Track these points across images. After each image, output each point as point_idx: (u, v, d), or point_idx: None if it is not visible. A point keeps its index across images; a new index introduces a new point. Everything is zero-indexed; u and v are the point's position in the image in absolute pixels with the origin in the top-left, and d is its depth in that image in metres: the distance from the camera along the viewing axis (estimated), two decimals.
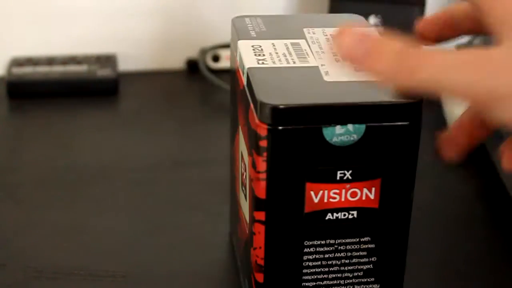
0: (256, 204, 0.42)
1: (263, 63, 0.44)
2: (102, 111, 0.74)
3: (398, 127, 0.40)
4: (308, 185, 0.41)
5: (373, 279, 0.44)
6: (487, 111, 0.35)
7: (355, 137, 0.40)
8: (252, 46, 0.46)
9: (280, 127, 0.39)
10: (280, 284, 0.43)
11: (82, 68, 0.78)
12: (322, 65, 0.43)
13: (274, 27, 0.48)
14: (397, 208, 0.43)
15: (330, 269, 0.44)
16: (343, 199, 0.42)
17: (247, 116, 0.43)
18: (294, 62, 0.44)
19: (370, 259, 0.44)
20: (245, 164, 0.44)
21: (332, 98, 0.40)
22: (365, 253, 0.43)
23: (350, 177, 0.41)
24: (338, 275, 0.44)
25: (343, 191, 0.41)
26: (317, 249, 0.43)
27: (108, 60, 0.80)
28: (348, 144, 0.40)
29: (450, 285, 0.51)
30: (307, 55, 0.45)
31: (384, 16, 0.77)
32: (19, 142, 0.68)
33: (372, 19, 0.77)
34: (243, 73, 0.44)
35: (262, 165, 0.40)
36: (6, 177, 0.63)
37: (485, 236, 0.56)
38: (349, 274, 0.44)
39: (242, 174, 0.46)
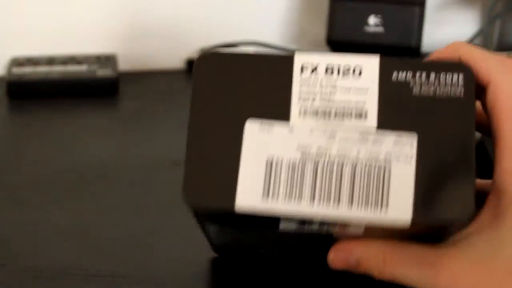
0: None
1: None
2: (102, 111, 0.74)
3: None
4: None
5: None
6: None
7: None
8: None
9: None
10: None
11: (82, 68, 0.78)
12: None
13: None
14: None
15: None
16: None
17: None
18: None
19: None
20: None
21: None
22: None
23: None
24: None
25: None
26: None
27: (108, 60, 0.80)
28: None
29: None
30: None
31: (384, 16, 0.77)
32: (19, 142, 0.68)
33: (372, 19, 0.77)
34: None
35: None
36: (6, 177, 0.62)
37: None
38: None
39: None
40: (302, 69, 0.39)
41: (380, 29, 0.78)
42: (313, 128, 0.38)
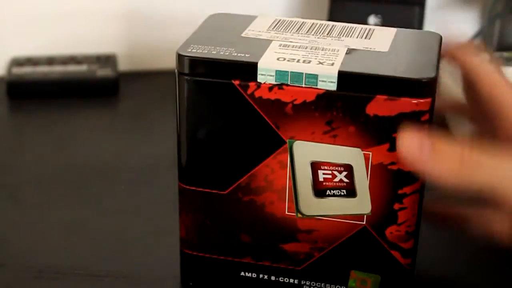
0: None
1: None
2: (102, 111, 0.74)
3: None
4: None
5: None
6: None
7: None
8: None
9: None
10: None
11: (82, 68, 0.78)
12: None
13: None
14: None
15: None
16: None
17: None
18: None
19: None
20: None
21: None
22: None
23: None
24: None
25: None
26: None
27: (108, 60, 0.80)
28: None
29: (451, 284, 0.51)
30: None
31: (384, 16, 0.77)
32: (19, 142, 0.68)
33: (372, 19, 0.77)
34: None
35: None
36: (6, 177, 0.62)
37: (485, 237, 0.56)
38: None
39: None
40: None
41: None
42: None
